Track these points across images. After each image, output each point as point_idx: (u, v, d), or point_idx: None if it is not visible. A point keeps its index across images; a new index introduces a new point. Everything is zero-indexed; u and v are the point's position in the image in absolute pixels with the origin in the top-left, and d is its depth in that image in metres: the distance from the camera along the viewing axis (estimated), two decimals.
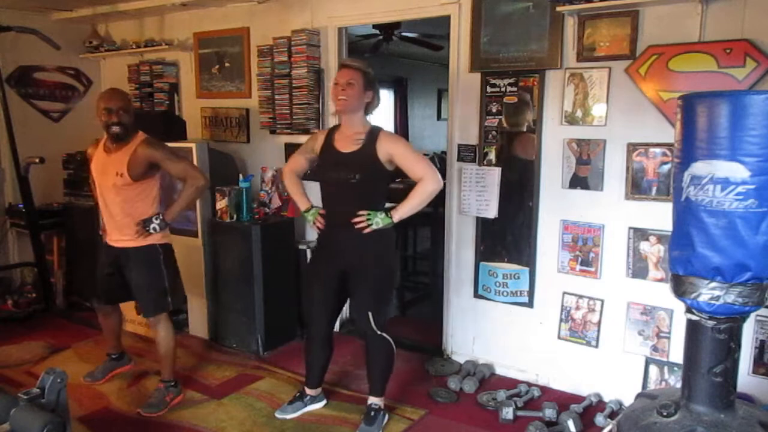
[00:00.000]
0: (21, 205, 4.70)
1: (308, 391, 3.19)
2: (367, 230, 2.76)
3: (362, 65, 2.79)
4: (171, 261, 3.27)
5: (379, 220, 2.76)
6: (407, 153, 2.80)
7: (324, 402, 3.24)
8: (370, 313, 2.88)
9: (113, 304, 3.45)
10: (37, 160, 4.35)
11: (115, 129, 3.08)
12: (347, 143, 2.82)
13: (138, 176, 3.08)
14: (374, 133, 2.80)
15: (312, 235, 4.37)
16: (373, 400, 3.04)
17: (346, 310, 4.46)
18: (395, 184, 6.94)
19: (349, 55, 4.19)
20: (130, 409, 3.25)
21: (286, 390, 3.43)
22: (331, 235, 2.91)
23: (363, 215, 2.76)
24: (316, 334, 3.08)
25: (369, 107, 2.84)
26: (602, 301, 3.29)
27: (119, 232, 3.17)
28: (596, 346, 3.32)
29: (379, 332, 2.91)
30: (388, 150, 2.77)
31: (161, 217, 3.13)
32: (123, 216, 3.14)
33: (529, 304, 3.52)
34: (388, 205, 2.92)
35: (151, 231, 3.11)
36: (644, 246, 3.11)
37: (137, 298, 3.30)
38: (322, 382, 3.24)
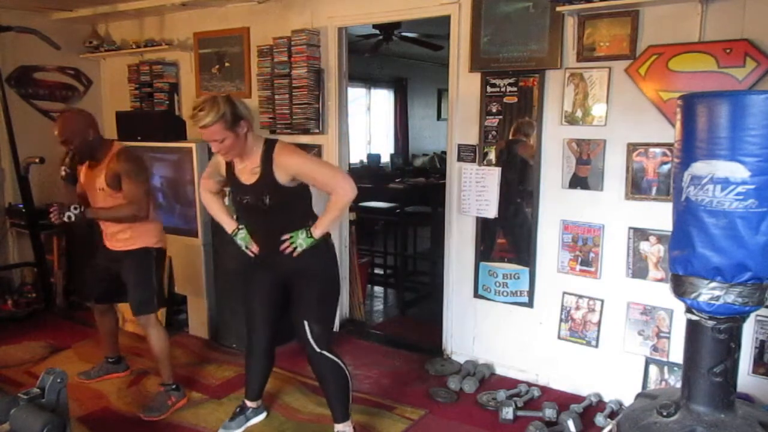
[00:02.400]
0: (21, 205, 4.70)
1: (249, 403, 3.06)
2: (296, 253, 2.59)
3: (213, 115, 2.40)
4: (161, 265, 3.27)
5: (302, 242, 2.58)
6: (307, 165, 2.58)
7: (265, 414, 3.12)
8: (306, 323, 2.68)
9: (106, 303, 3.46)
10: (37, 160, 4.35)
11: (68, 148, 3.12)
12: (247, 175, 2.62)
13: (119, 187, 3.06)
14: (269, 155, 2.55)
15: None
16: (338, 428, 2.82)
17: (345, 308, 4.46)
18: (395, 184, 6.97)
19: (349, 55, 4.19)
20: (129, 409, 3.25)
21: (286, 390, 3.43)
22: (266, 255, 2.73)
23: (286, 239, 2.59)
24: (256, 345, 2.92)
25: (249, 128, 2.54)
26: (602, 301, 3.29)
27: (114, 238, 3.18)
28: (596, 346, 3.32)
29: (318, 349, 2.69)
30: (287, 170, 2.54)
31: (80, 209, 3.01)
32: (115, 223, 3.15)
33: (529, 304, 3.52)
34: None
35: (65, 219, 2.99)
36: (644, 246, 3.11)
37: (129, 298, 3.27)
38: (262, 394, 3.11)
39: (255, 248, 2.73)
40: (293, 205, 2.65)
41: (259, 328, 2.89)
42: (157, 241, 3.22)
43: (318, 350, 2.70)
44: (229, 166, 2.68)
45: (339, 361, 2.76)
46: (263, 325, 2.88)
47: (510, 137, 3.46)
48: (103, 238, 3.29)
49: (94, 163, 3.12)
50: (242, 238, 2.74)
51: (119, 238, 3.16)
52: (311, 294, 2.71)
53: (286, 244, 2.59)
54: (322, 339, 2.71)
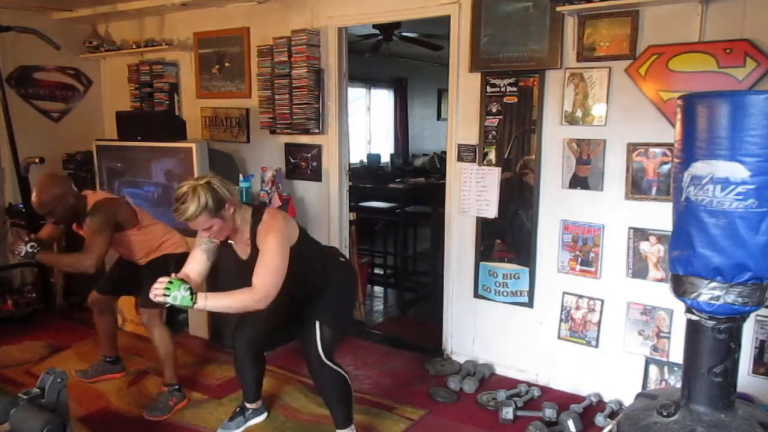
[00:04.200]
0: (21, 205, 4.70)
1: (248, 405, 3.06)
2: (161, 299, 2.26)
3: (194, 207, 2.32)
4: (179, 267, 3.28)
5: (178, 295, 2.24)
6: (266, 249, 2.40)
7: (265, 414, 3.12)
8: (317, 324, 2.60)
9: (112, 294, 3.50)
10: (37, 160, 4.35)
11: (51, 220, 3.15)
12: (242, 248, 2.57)
13: (114, 231, 3.13)
14: (254, 228, 2.48)
15: (314, 234, 4.37)
16: None
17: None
18: (395, 184, 6.96)
19: (349, 55, 4.19)
20: (130, 409, 3.26)
21: (286, 390, 3.43)
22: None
23: (164, 281, 2.27)
24: (240, 351, 2.88)
25: (234, 207, 2.45)
26: (602, 301, 3.29)
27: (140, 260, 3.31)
28: (596, 346, 3.32)
29: (324, 359, 2.62)
30: (260, 246, 2.44)
31: (35, 249, 3.01)
32: (131, 255, 3.28)
33: (529, 304, 3.52)
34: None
35: (16, 252, 3.00)
36: (644, 246, 3.11)
37: (138, 291, 3.28)
38: (260, 396, 3.10)
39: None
40: (293, 267, 2.47)
41: (244, 332, 2.86)
42: (177, 247, 3.32)
43: (324, 360, 2.63)
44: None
45: (342, 372, 2.72)
46: (249, 329, 2.85)
47: (517, 170, 3.48)
48: None
49: (81, 223, 3.16)
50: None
51: (138, 259, 3.29)
52: (327, 296, 2.68)
53: (159, 287, 2.25)
54: (330, 348, 2.66)
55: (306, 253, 2.59)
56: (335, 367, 2.69)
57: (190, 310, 4.20)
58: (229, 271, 2.66)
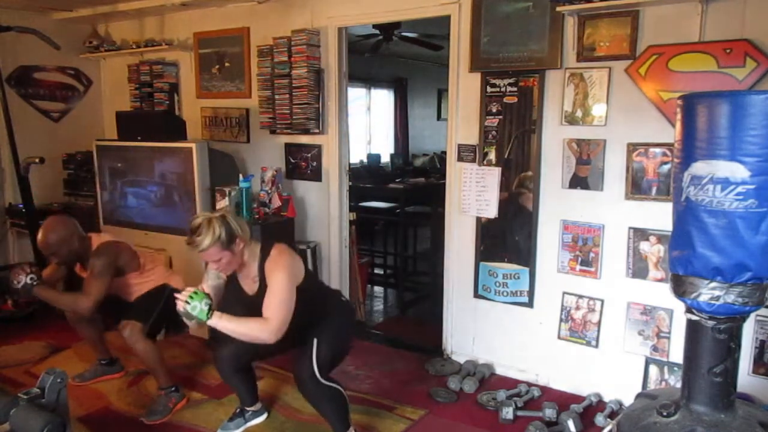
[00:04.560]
0: (21, 205, 4.70)
1: (247, 408, 3.06)
2: (181, 306, 2.37)
3: (209, 240, 2.40)
4: (168, 303, 3.13)
5: (197, 306, 2.35)
6: (275, 285, 2.46)
7: (265, 415, 3.12)
8: (315, 341, 2.59)
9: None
10: (37, 160, 4.35)
11: (55, 260, 3.17)
12: (249, 284, 2.63)
13: (114, 276, 3.12)
14: (262, 265, 2.55)
15: (314, 235, 4.39)
16: None
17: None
18: (395, 184, 6.96)
19: (349, 55, 4.19)
20: (129, 409, 3.25)
21: (286, 390, 3.43)
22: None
23: (191, 289, 2.39)
24: (227, 367, 2.87)
25: (244, 243, 2.53)
26: (602, 301, 3.29)
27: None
28: (596, 346, 3.32)
29: (318, 377, 2.58)
30: (269, 281, 2.50)
31: (34, 282, 2.99)
32: (126, 297, 3.28)
33: (529, 304, 3.52)
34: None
35: (14, 284, 2.98)
36: (644, 246, 3.11)
37: (131, 307, 3.25)
38: (257, 399, 3.09)
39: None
40: (297, 304, 2.50)
41: (227, 349, 2.83)
42: (171, 278, 3.34)
43: (319, 378, 2.59)
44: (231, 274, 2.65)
45: (336, 386, 2.69)
46: (232, 347, 2.79)
47: (513, 188, 3.49)
48: None
49: (84, 265, 3.16)
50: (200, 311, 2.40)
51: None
52: (327, 322, 2.69)
53: (185, 293, 2.37)
54: (325, 367, 2.63)
55: (311, 292, 2.62)
56: (330, 384, 2.66)
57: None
58: (233, 309, 2.62)
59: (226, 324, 2.41)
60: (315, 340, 2.61)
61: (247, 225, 2.60)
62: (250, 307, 2.54)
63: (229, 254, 2.48)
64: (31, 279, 2.99)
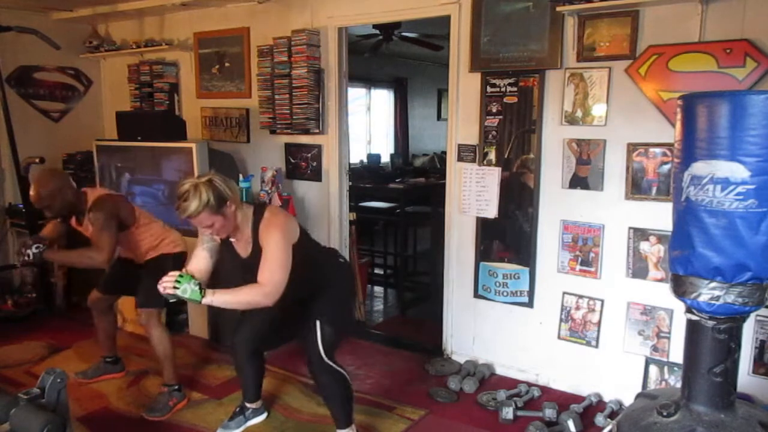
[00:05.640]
0: (21, 205, 4.70)
1: (248, 405, 3.06)
2: (165, 292, 2.31)
3: (196, 204, 2.34)
4: (179, 268, 3.28)
5: (188, 288, 2.28)
6: (269, 250, 2.42)
7: (265, 414, 3.12)
8: (318, 323, 2.60)
9: (113, 293, 3.51)
10: (37, 160, 4.35)
11: (49, 214, 3.15)
12: (243, 246, 2.58)
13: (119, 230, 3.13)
14: (256, 226, 2.50)
15: (314, 235, 4.37)
16: None
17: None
18: (395, 184, 6.96)
19: (349, 55, 4.19)
20: (129, 409, 3.25)
21: (286, 390, 3.43)
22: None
23: (174, 275, 2.32)
24: (239, 350, 2.89)
25: (235, 205, 2.46)
26: (602, 301, 3.29)
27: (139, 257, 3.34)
28: (596, 346, 3.32)
29: (325, 358, 2.62)
30: (263, 243, 2.45)
31: (42, 248, 3.01)
32: (131, 253, 3.31)
33: (529, 304, 3.52)
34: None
35: (25, 257, 3.00)
36: (644, 246, 3.11)
37: (137, 291, 3.29)
38: (260, 395, 3.10)
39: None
40: (293, 266, 2.46)
41: (243, 331, 2.87)
42: (175, 246, 3.33)
43: (325, 359, 2.63)
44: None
45: (343, 371, 2.72)
46: (248, 328, 2.85)
47: (515, 169, 3.49)
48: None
49: (76, 220, 3.19)
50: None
51: (138, 256, 3.32)
52: (327, 296, 2.69)
53: (169, 279, 2.30)
54: (332, 347, 2.66)
55: (306, 253, 2.59)
56: (336, 367, 2.69)
57: (191, 310, 4.24)
58: (229, 270, 2.66)
59: (221, 298, 2.35)
60: (317, 323, 2.62)
61: (236, 186, 2.56)
62: (245, 269, 2.53)
63: (221, 218, 2.42)
64: (37, 248, 3.01)
